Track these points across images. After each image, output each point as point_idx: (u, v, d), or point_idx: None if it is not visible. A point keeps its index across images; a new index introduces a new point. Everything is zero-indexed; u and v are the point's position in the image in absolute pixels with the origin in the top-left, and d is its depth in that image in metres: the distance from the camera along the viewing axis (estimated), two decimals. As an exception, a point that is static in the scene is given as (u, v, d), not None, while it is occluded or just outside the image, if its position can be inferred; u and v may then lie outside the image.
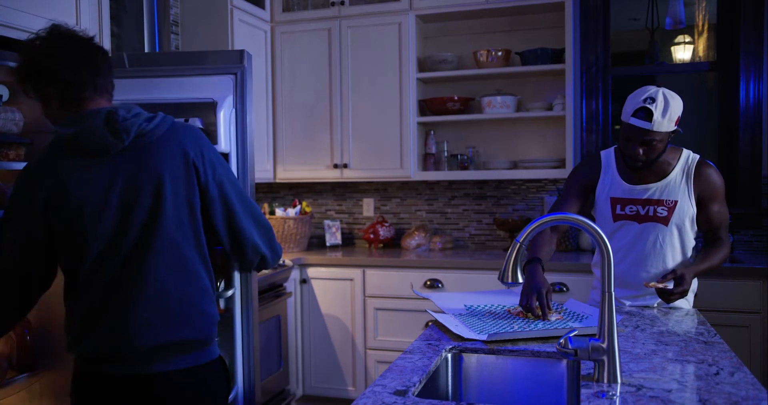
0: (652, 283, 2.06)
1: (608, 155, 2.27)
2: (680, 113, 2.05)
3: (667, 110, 1.99)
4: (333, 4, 3.82)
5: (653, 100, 2.00)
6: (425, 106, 3.89)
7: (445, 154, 3.92)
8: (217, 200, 1.62)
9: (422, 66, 3.86)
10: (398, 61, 3.73)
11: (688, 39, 4.26)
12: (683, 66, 4.16)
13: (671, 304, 2.21)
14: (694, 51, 4.27)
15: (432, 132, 3.91)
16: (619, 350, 1.40)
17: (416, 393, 1.39)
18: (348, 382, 3.58)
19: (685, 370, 1.46)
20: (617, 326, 1.53)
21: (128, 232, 1.51)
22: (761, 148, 3.54)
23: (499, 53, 3.69)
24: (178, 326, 1.56)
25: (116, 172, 1.51)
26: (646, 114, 1.99)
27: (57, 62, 1.51)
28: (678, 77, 4.37)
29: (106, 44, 2.52)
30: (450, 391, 1.69)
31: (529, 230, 1.45)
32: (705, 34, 4.16)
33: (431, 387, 1.55)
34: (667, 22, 3.92)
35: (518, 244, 1.47)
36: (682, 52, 4.32)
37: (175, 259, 1.55)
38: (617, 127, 4.10)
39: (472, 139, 3.95)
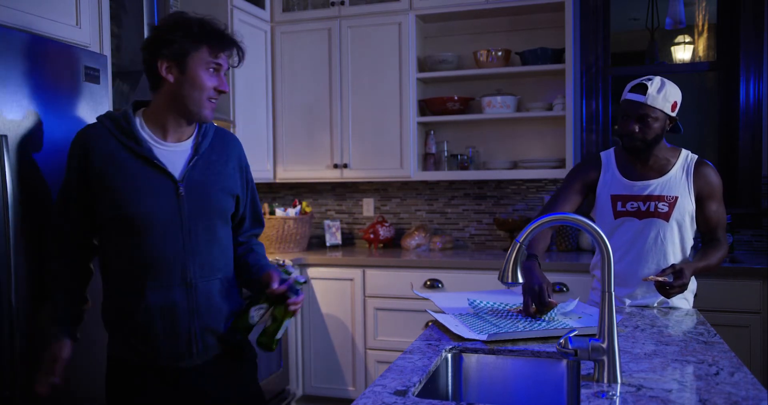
0: (651, 277, 2.05)
1: (608, 155, 2.31)
2: (678, 99, 2.12)
3: (663, 88, 2.08)
4: (333, 4, 3.82)
5: (650, 79, 2.11)
6: (425, 106, 3.89)
7: (445, 154, 3.92)
8: None
9: (422, 66, 3.86)
10: (398, 61, 3.73)
11: (688, 39, 4.27)
12: (683, 66, 4.16)
13: (671, 304, 2.21)
14: (694, 51, 4.27)
15: (432, 132, 3.91)
16: (619, 350, 1.40)
17: (416, 393, 1.39)
18: (348, 382, 3.58)
19: (685, 370, 1.46)
20: (617, 326, 1.53)
21: None
22: (761, 148, 3.54)
23: (499, 53, 3.69)
24: None
25: None
26: (642, 88, 2.10)
27: None
28: (678, 77, 4.35)
29: (106, 44, 2.52)
30: (450, 391, 1.69)
31: (529, 230, 1.45)
32: (705, 34, 4.16)
33: (431, 387, 1.55)
34: (667, 22, 3.92)
35: (518, 244, 1.47)
36: (682, 52, 4.32)
37: None
38: (617, 127, 4.09)
39: (472, 139, 3.95)
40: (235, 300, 1.75)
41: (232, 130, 3.46)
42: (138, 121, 1.66)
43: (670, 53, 4.37)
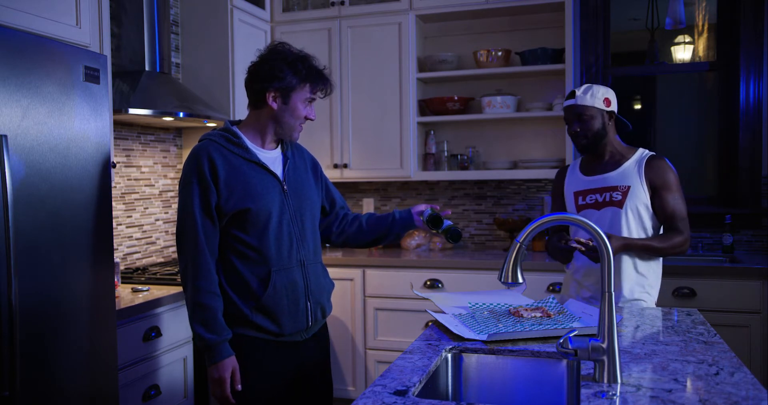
0: (578, 239, 2.20)
1: (576, 161, 2.52)
2: (609, 96, 2.32)
3: (590, 89, 2.31)
4: (333, 4, 3.82)
5: (579, 87, 2.36)
6: (425, 106, 3.89)
7: (445, 154, 3.92)
8: None
9: (422, 66, 3.86)
10: (398, 61, 3.73)
11: (688, 39, 4.26)
12: (683, 66, 4.15)
13: (632, 297, 2.28)
14: (694, 51, 4.26)
15: (432, 132, 3.91)
16: (619, 350, 1.40)
17: (416, 393, 1.39)
18: (348, 382, 3.58)
19: (685, 370, 1.46)
20: (617, 326, 1.53)
21: None
22: (761, 148, 3.54)
23: (499, 53, 3.69)
24: None
25: None
26: (571, 94, 2.35)
27: None
28: (678, 77, 4.36)
29: (106, 44, 2.52)
30: (450, 391, 1.69)
31: (529, 230, 1.45)
32: (705, 34, 4.16)
33: (431, 387, 1.55)
34: (667, 22, 3.91)
35: (518, 244, 1.47)
36: (682, 52, 4.32)
37: None
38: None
39: (472, 139, 3.95)
40: (329, 281, 2.10)
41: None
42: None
43: (670, 53, 4.36)
